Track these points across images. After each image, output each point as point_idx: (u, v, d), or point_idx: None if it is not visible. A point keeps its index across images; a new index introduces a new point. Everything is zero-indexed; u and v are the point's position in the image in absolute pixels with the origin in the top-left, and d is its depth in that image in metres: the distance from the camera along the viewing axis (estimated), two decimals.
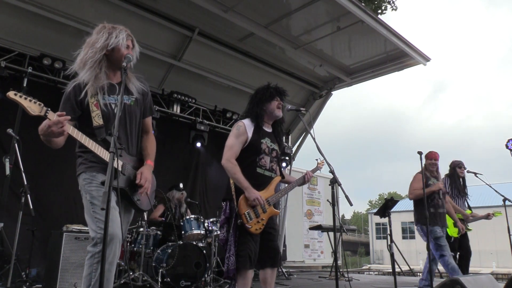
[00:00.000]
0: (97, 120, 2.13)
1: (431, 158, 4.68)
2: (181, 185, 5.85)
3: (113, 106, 2.20)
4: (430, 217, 4.29)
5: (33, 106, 1.93)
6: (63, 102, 2.16)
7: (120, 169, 2.16)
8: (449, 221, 4.92)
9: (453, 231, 4.90)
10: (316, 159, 3.55)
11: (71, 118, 2.08)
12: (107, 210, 1.69)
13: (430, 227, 4.30)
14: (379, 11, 10.75)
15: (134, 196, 2.24)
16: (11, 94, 1.91)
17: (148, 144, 2.44)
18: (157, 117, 6.32)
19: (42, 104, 1.96)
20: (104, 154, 2.11)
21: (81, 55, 2.22)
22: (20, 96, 1.91)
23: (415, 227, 4.61)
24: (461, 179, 5.16)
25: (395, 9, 10.92)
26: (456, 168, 5.16)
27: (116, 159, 1.79)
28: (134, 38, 2.33)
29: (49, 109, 1.96)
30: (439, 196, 4.57)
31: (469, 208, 5.17)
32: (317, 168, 3.40)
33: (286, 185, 3.15)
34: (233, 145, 2.83)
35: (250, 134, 2.85)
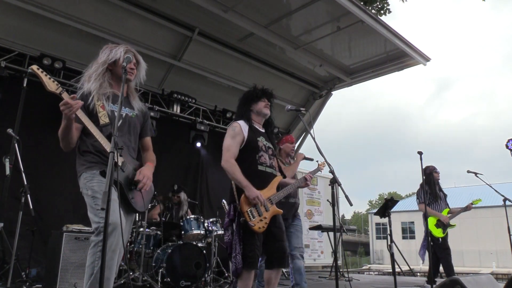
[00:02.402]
0: (104, 119, 2.24)
1: (289, 141, 4.38)
2: (175, 187, 5.85)
3: (115, 113, 2.28)
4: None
5: (50, 83, 2.11)
6: None
7: (120, 164, 2.21)
8: (431, 223, 4.94)
9: (437, 232, 4.93)
10: (317, 161, 3.56)
11: (80, 122, 2.25)
12: (107, 210, 1.70)
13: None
14: (382, 11, 10.70)
15: (129, 194, 2.28)
16: (34, 67, 2.12)
17: (148, 155, 2.60)
18: (157, 117, 6.33)
19: (60, 85, 2.13)
20: (107, 145, 2.18)
21: (88, 71, 2.42)
22: (42, 72, 2.10)
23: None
24: (436, 184, 5.17)
25: (405, 0, 10.83)
26: (433, 173, 5.17)
27: (116, 158, 1.81)
28: (138, 55, 2.48)
29: (65, 90, 2.12)
30: None
31: (448, 207, 5.18)
32: (318, 169, 3.41)
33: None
34: (230, 146, 2.85)
35: (246, 134, 2.88)
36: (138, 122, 2.49)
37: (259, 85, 3.10)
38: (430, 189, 5.13)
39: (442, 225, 4.96)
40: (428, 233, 4.88)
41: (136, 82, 2.51)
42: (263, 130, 3.07)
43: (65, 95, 2.05)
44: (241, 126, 2.89)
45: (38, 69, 2.08)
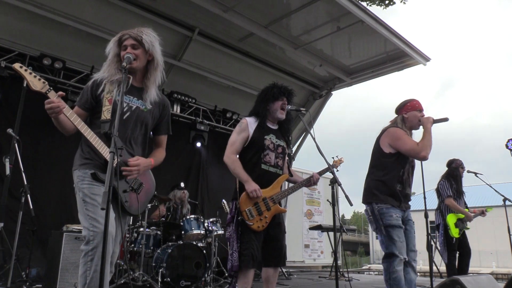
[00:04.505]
0: (106, 114, 2.15)
1: (418, 108, 3.14)
2: (182, 184, 5.86)
3: (124, 104, 2.21)
4: (394, 196, 2.98)
5: (36, 82, 1.98)
6: (81, 93, 2.27)
7: (114, 165, 2.15)
8: (451, 221, 4.93)
9: (455, 232, 4.90)
10: (332, 157, 3.30)
11: (85, 109, 2.19)
12: (107, 210, 1.68)
13: (385, 208, 2.95)
14: (387, 1, 10.62)
15: (124, 197, 2.18)
16: (16, 65, 1.97)
17: (156, 152, 2.48)
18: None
19: (46, 83, 2.00)
20: (102, 148, 2.11)
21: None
22: (25, 70, 1.96)
23: (365, 209, 3.15)
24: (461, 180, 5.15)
25: (405, 2, 10.82)
26: (460, 168, 5.13)
27: (116, 158, 1.78)
28: (141, 32, 2.25)
29: (51, 88, 1.99)
30: (411, 170, 3.19)
31: (466, 207, 5.19)
32: (327, 169, 3.04)
33: (291, 184, 3.14)
34: (234, 141, 2.87)
35: (251, 131, 2.87)
36: (150, 117, 2.33)
37: (279, 82, 3.05)
38: (456, 185, 5.04)
39: (461, 225, 4.92)
40: (445, 229, 4.86)
41: (156, 62, 2.29)
42: (276, 127, 3.04)
43: (51, 94, 1.96)
44: (248, 123, 2.89)
45: (21, 67, 1.96)
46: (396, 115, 3.20)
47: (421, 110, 3.12)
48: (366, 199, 3.07)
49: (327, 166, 2.89)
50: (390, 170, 2.99)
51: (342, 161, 3.32)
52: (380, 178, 2.99)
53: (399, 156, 2.99)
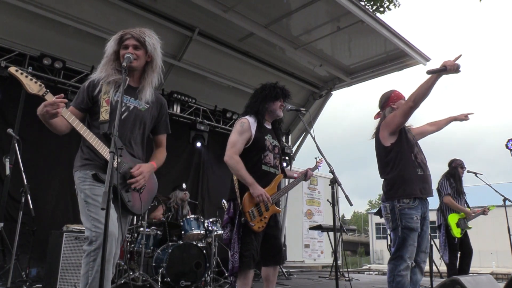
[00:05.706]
0: (104, 115, 2.15)
1: (402, 96, 3.08)
2: (184, 185, 5.86)
3: (122, 104, 2.20)
4: (417, 186, 2.79)
5: (32, 85, 1.96)
6: (77, 93, 2.25)
7: (115, 165, 2.15)
8: (452, 221, 4.93)
9: (456, 232, 4.89)
10: (315, 158, 3.58)
11: (80, 109, 2.17)
12: (107, 210, 1.68)
13: (407, 209, 2.75)
14: (382, 9, 10.63)
15: (126, 197, 2.18)
16: (12, 69, 1.95)
17: (157, 153, 2.49)
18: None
19: (43, 85, 1.99)
20: (101, 148, 2.11)
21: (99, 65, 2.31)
22: (21, 73, 1.95)
23: (382, 205, 2.93)
24: (459, 180, 5.17)
25: (398, 6, 10.82)
26: (459, 168, 5.15)
27: (116, 158, 1.78)
28: (144, 33, 2.25)
29: (48, 91, 1.98)
30: (420, 149, 3.03)
31: (468, 207, 5.19)
32: (316, 166, 3.49)
33: (287, 182, 3.20)
34: (236, 141, 2.83)
35: (253, 131, 2.86)
36: (148, 116, 2.34)
37: (280, 83, 3.08)
38: (456, 184, 5.07)
39: (463, 225, 4.93)
40: (447, 229, 4.86)
41: (155, 64, 2.30)
42: (270, 127, 3.07)
43: (48, 97, 1.94)
44: (250, 123, 2.87)
45: (16, 70, 1.94)
46: (380, 111, 3.14)
47: (404, 98, 3.01)
48: (387, 197, 2.89)
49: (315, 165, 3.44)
50: (401, 161, 2.84)
51: (322, 161, 3.57)
52: (396, 174, 2.83)
53: (402, 142, 2.89)
